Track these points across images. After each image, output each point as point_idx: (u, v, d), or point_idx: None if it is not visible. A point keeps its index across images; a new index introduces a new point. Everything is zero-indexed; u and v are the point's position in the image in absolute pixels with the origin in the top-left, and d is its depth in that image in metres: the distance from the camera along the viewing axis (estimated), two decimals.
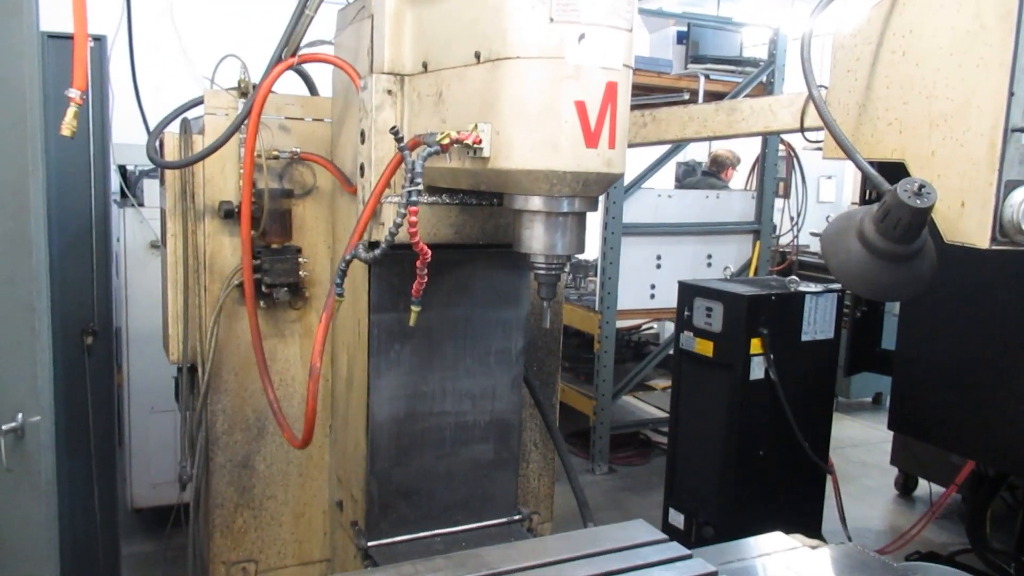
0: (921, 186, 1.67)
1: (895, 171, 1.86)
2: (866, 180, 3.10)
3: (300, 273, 2.70)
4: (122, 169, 4.72)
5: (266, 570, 2.81)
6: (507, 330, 2.49)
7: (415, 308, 2.04)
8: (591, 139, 1.75)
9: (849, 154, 1.86)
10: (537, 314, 2.61)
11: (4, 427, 2.55)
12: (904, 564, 2.19)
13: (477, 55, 1.81)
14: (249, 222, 2.56)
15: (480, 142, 1.76)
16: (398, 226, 1.87)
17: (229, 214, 2.63)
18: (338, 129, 2.63)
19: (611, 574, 1.83)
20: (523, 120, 1.73)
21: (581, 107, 1.73)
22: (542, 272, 1.93)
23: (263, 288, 2.64)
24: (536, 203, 1.84)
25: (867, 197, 3.84)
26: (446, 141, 1.79)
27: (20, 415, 2.59)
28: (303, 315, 2.77)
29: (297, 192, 2.73)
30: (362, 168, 2.16)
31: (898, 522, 5.43)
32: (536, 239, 1.88)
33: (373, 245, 2.06)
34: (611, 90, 1.75)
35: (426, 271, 1.96)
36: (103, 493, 3.83)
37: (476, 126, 1.77)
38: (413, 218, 1.83)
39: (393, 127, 1.91)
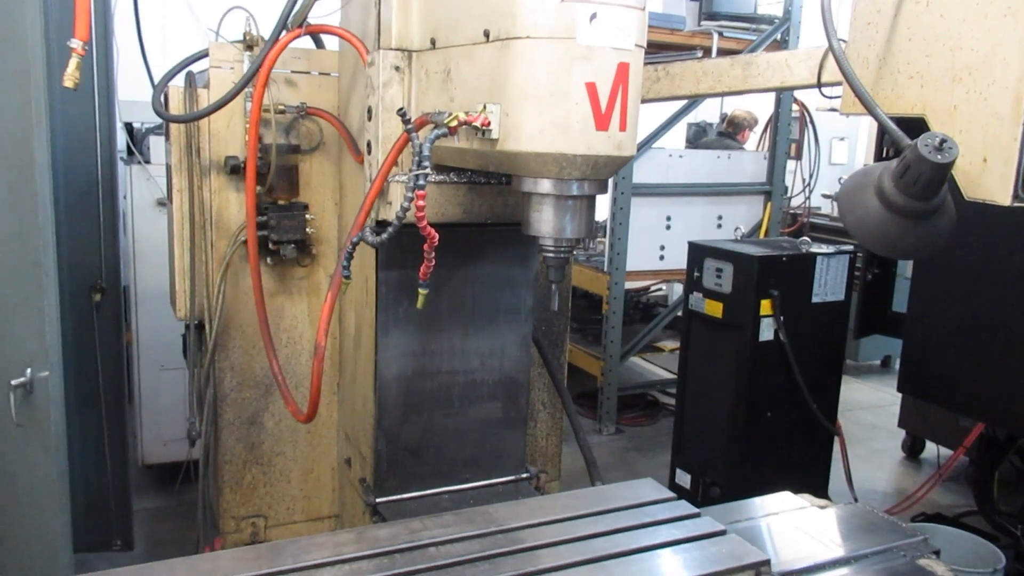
0: (943, 141, 1.62)
1: (915, 127, 1.81)
2: (884, 136, 3.05)
3: (307, 230, 2.67)
4: (128, 127, 4.68)
5: (275, 525, 2.83)
6: (516, 289, 2.47)
7: (423, 291, 2.02)
8: (602, 121, 1.70)
9: (869, 108, 1.81)
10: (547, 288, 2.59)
11: (13, 382, 2.55)
12: (911, 525, 2.18)
13: (486, 33, 1.75)
14: (255, 178, 2.53)
15: (489, 124, 1.72)
16: (405, 210, 1.85)
17: (235, 170, 2.60)
18: (347, 95, 2.58)
19: (620, 531, 1.83)
20: (532, 102, 1.69)
21: (592, 89, 1.68)
22: (551, 255, 1.90)
23: (270, 245, 2.62)
24: (545, 186, 1.81)
25: (884, 155, 3.78)
26: (454, 123, 1.75)
27: (29, 370, 2.59)
28: (311, 272, 2.75)
29: (304, 147, 2.70)
30: (369, 145, 2.13)
31: (904, 484, 5.44)
32: (545, 222, 1.85)
33: (380, 224, 2.03)
34: (623, 71, 1.70)
35: (433, 254, 1.93)
36: (114, 449, 3.86)
37: (485, 107, 1.73)
38: (420, 202, 1.80)
39: (400, 108, 1.88)
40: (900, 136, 1.71)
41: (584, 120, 1.69)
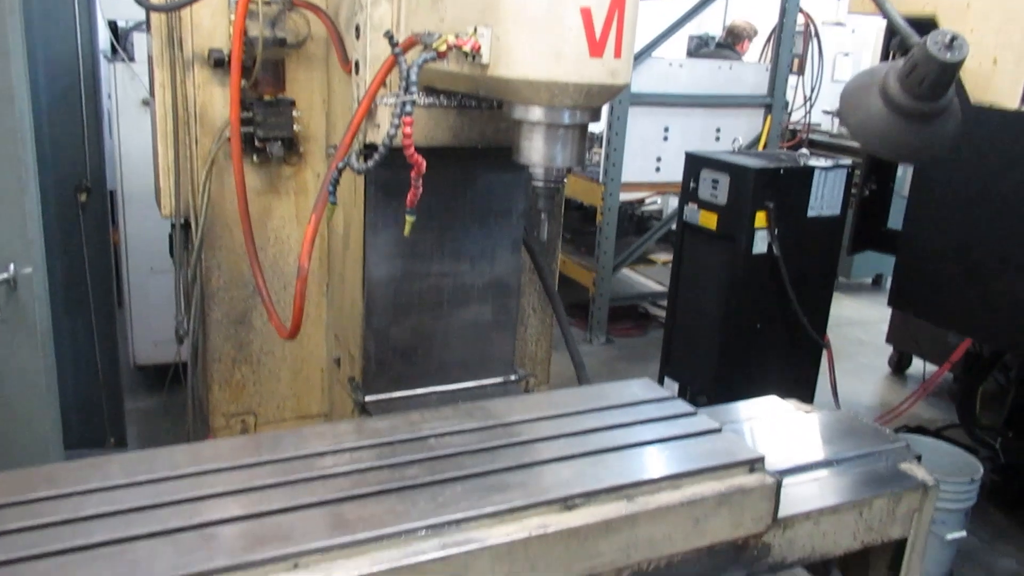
0: (952, 38, 1.56)
1: (925, 29, 1.75)
2: (891, 40, 2.95)
3: (294, 127, 2.60)
4: (112, 24, 4.53)
5: (265, 423, 2.85)
6: (508, 191, 2.42)
7: (410, 218, 1.97)
8: (596, 48, 1.64)
9: (879, 4, 1.73)
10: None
11: None
12: (893, 432, 2.20)
13: None
14: (240, 71, 2.44)
15: (479, 48, 1.66)
16: (391, 136, 1.80)
17: (219, 63, 2.51)
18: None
19: (617, 427, 1.84)
20: (524, 26, 1.62)
21: (586, 14, 1.61)
22: (541, 184, 1.86)
23: (256, 142, 2.55)
24: (536, 114, 1.76)
25: (891, 56, 3.68)
26: (443, 47, 1.69)
27: (12, 266, 2.56)
28: (298, 172, 2.69)
29: (290, 42, 2.59)
30: (357, 65, 2.04)
31: (889, 398, 5.52)
32: (535, 151, 1.81)
33: (368, 147, 1.97)
34: None
35: (420, 181, 1.88)
36: (104, 351, 3.87)
37: (475, 30, 1.66)
38: (408, 128, 1.75)
39: (387, 32, 1.81)
40: (909, 32, 1.65)
41: (578, 46, 1.63)
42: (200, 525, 1.40)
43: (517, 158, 1.85)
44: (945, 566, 3.69)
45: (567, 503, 1.54)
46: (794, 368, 4.43)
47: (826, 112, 8.13)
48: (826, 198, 4.28)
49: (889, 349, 6.05)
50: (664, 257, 6.62)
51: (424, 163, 1.84)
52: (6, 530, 1.36)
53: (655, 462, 1.70)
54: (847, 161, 4.44)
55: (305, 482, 1.56)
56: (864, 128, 1.72)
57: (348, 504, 1.49)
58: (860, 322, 6.95)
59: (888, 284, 6.51)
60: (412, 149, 1.79)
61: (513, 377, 2.57)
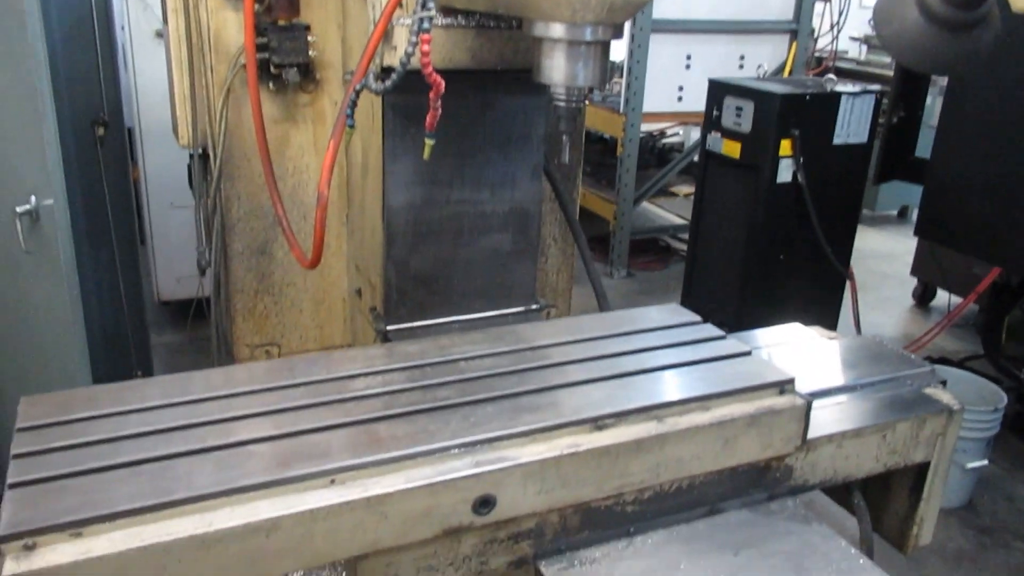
0: None
1: None
2: None
3: (310, 53, 2.55)
4: None
5: (288, 353, 2.87)
6: (527, 115, 2.37)
7: (429, 141, 1.93)
8: None
9: None
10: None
11: (19, 209, 2.54)
12: (918, 357, 2.18)
13: None
14: None
15: None
16: (409, 56, 1.74)
17: None
18: None
19: (646, 350, 1.83)
20: None
21: None
22: (562, 104, 1.80)
23: (271, 68, 2.50)
24: (557, 30, 1.68)
25: None
26: None
27: (33, 198, 2.57)
28: (315, 99, 2.65)
29: None
30: None
31: (912, 330, 5.49)
32: (556, 69, 1.74)
33: (385, 70, 1.92)
34: None
35: (440, 103, 1.83)
36: (128, 286, 3.90)
37: None
38: (426, 47, 1.69)
39: None
40: None
41: None
42: (238, 443, 1.42)
43: (537, 78, 1.80)
44: (965, 494, 3.71)
45: (598, 423, 1.54)
46: (817, 299, 4.40)
47: (853, 39, 7.90)
48: (853, 126, 4.19)
49: (913, 282, 5.98)
50: (686, 189, 6.55)
51: (443, 83, 1.80)
52: (49, 448, 1.39)
53: (685, 384, 1.69)
54: (875, 87, 4.33)
55: (338, 403, 1.57)
56: (898, 40, 1.65)
57: (381, 424, 1.50)
58: (885, 255, 6.87)
59: (914, 216, 6.41)
60: (430, 68, 1.75)
61: (534, 307, 2.55)
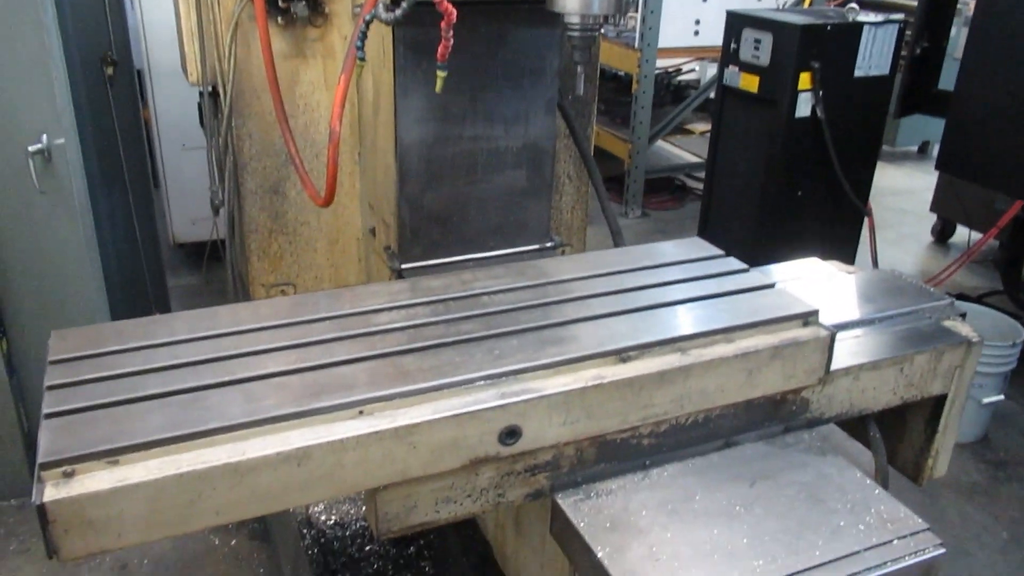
0: None
1: None
2: None
3: None
4: None
5: (304, 292, 2.88)
6: (540, 48, 2.31)
7: (441, 73, 1.88)
8: None
9: None
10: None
11: (31, 148, 2.53)
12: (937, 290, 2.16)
13: None
14: None
15: None
16: None
17: None
18: None
19: (670, 284, 1.83)
20: None
21: None
22: (577, 34, 1.76)
23: (279, 2, 2.45)
24: None
25: None
26: None
27: (45, 136, 2.56)
28: (324, 34, 2.60)
29: None
30: None
31: (930, 267, 5.43)
32: None
33: (394, 2, 1.86)
34: None
35: (451, 33, 1.78)
36: (143, 228, 3.91)
37: None
38: None
39: None
40: None
41: None
42: (267, 375, 1.44)
43: (551, 6, 1.76)
44: (981, 428, 3.72)
45: (622, 355, 1.55)
46: (834, 237, 4.35)
47: None
48: (875, 57, 4.08)
49: (932, 219, 5.90)
50: (702, 127, 6.44)
51: (455, 12, 1.75)
52: (81, 380, 1.41)
53: (708, 316, 1.69)
54: (898, 16, 4.21)
55: (365, 336, 1.58)
56: None
57: (408, 356, 1.51)
58: (904, 191, 6.77)
59: (935, 152, 6.28)
60: None
61: (549, 244, 2.53)
